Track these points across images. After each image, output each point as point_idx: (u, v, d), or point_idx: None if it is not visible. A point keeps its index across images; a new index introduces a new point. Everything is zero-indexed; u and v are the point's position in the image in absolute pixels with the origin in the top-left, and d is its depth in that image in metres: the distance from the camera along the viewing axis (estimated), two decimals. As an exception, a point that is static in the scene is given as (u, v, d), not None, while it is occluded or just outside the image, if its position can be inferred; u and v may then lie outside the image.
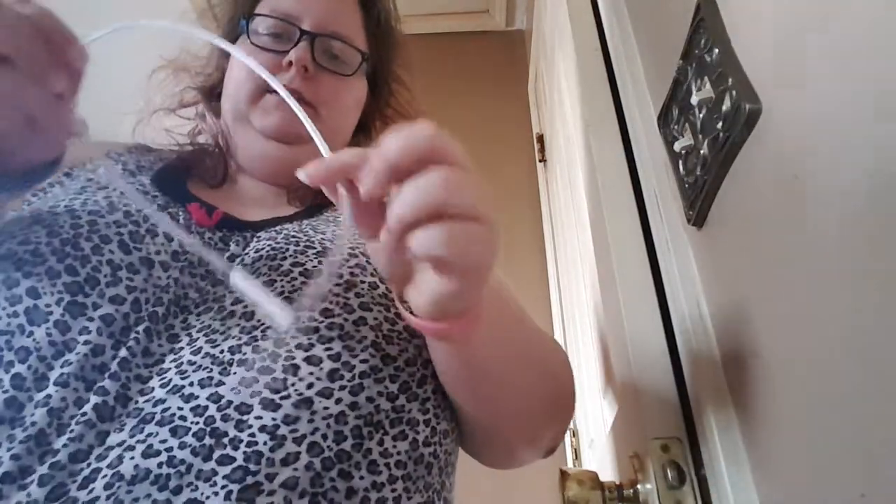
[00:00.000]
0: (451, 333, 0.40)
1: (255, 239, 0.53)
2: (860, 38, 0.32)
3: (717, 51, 0.50)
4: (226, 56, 0.67)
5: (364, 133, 0.74)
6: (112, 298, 0.44)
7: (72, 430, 0.39)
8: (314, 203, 0.63)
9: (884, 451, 0.30)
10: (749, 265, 0.46)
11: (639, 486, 0.59)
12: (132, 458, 0.38)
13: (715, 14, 0.52)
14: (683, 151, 0.57)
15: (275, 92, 0.60)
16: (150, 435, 0.39)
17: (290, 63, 0.60)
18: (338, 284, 0.48)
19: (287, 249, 0.50)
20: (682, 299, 0.60)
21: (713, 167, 0.50)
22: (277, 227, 0.55)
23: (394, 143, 0.31)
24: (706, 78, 0.52)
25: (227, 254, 0.52)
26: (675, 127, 0.60)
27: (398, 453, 0.44)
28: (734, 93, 0.46)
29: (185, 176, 0.62)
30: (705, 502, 0.52)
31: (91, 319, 0.43)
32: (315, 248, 0.51)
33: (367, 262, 0.51)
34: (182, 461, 0.38)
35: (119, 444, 0.39)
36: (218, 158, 0.66)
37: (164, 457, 0.38)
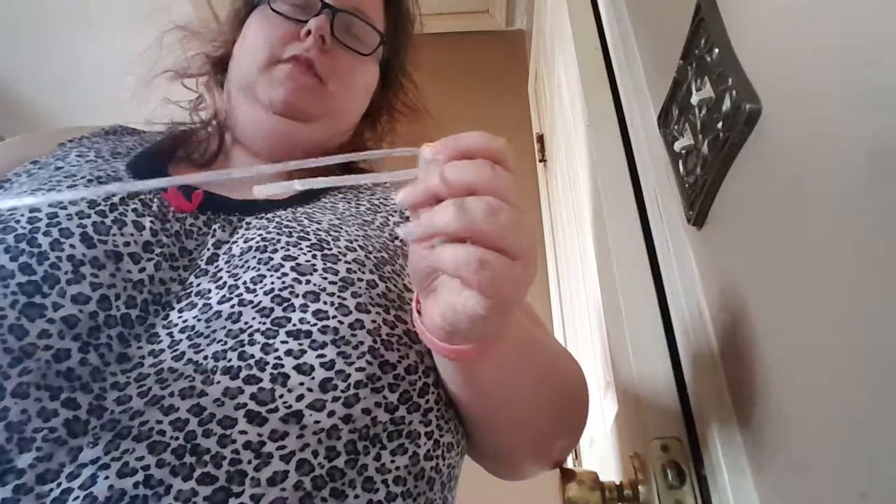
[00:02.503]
0: (463, 357, 0.38)
1: (244, 225, 0.50)
2: (859, 37, 0.32)
3: (717, 51, 0.50)
4: (239, 26, 0.64)
5: (369, 123, 0.72)
6: (74, 297, 0.40)
7: (39, 448, 0.35)
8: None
9: (884, 451, 0.30)
10: (749, 265, 0.46)
11: (639, 486, 0.59)
12: (106, 477, 0.35)
13: (715, 14, 0.52)
14: (683, 151, 0.57)
15: (287, 62, 0.58)
16: (126, 452, 0.36)
17: (309, 32, 0.58)
18: (332, 283, 0.44)
19: (279, 241, 0.46)
20: (682, 299, 0.60)
21: (713, 167, 0.50)
22: (269, 215, 0.51)
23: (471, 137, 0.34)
24: (706, 78, 0.52)
25: (213, 240, 0.48)
26: (675, 127, 0.60)
27: (397, 468, 0.41)
28: (734, 93, 0.46)
29: (168, 158, 0.59)
30: (705, 502, 0.52)
31: (51, 321, 0.39)
32: (309, 239, 0.47)
33: (365, 257, 0.47)
34: (160, 481, 0.35)
35: (93, 462, 0.36)
36: (213, 133, 0.63)
37: (140, 476, 0.35)
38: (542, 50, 1.78)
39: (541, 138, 1.90)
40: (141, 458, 0.36)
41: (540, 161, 1.90)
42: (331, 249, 0.46)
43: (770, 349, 0.43)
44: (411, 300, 0.47)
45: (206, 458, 0.36)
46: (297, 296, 0.42)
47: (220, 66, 0.67)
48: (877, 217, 0.31)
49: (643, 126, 0.76)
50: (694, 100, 0.53)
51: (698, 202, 0.54)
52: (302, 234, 0.47)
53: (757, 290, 0.45)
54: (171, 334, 0.42)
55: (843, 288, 0.34)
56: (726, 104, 0.47)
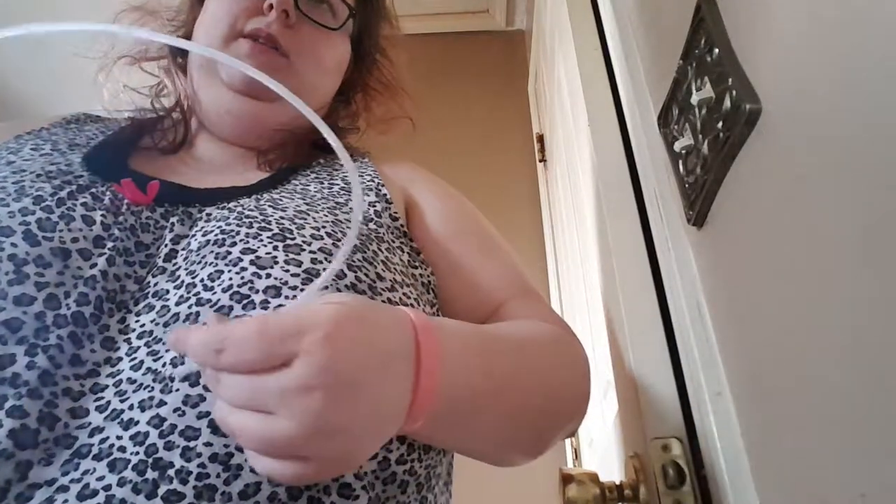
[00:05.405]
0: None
1: (204, 217, 0.47)
2: (860, 37, 0.32)
3: (717, 51, 0.50)
4: (199, 3, 0.61)
5: (344, 101, 0.69)
6: (17, 299, 0.37)
7: None
8: (285, 167, 0.57)
9: (884, 451, 0.30)
10: (749, 265, 0.46)
11: (639, 487, 0.59)
12: (65, 501, 0.32)
13: (715, 14, 0.52)
14: (683, 151, 0.57)
15: (248, 37, 0.55)
16: (85, 472, 0.33)
17: (271, 7, 0.55)
18: (295, 275, 0.41)
19: (238, 233, 0.43)
20: (682, 299, 0.60)
21: (713, 167, 0.50)
22: (231, 204, 0.48)
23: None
24: (706, 78, 0.52)
25: (171, 234, 0.45)
26: (675, 127, 0.60)
27: (365, 474, 0.39)
28: (734, 93, 0.46)
29: (131, 147, 0.56)
30: (705, 502, 0.52)
31: None
32: (271, 229, 0.43)
33: (333, 245, 0.44)
34: (122, 501, 0.32)
35: (48, 483, 0.33)
36: (178, 120, 0.61)
37: (101, 497, 0.32)
38: (542, 50, 1.78)
39: (541, 138, 1.90)
40: (101, 479, 0.33)
41: (540, 161, 1.90)
42: (294, 239, 0.43)
43: (770, 348, 0.43)
44: (384, 290, 0.45)
45: (171, 473, 0.34)
46: (256, 291, 0.40)
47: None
48: (878, 217, 0.31)
49: (643, 126, 0.75)
50: (694, 100, 0.53)
51: (698, 202, 0.54)
52: (263, 225, 0.44)
53: (757, 290, 0.45)
54: (128, 340, 0.39)
55: (844, 288, 0.34)
56: (726, 104, 0.47)
